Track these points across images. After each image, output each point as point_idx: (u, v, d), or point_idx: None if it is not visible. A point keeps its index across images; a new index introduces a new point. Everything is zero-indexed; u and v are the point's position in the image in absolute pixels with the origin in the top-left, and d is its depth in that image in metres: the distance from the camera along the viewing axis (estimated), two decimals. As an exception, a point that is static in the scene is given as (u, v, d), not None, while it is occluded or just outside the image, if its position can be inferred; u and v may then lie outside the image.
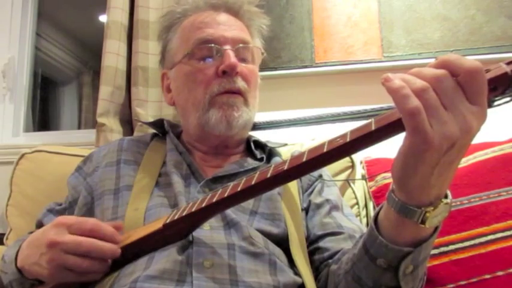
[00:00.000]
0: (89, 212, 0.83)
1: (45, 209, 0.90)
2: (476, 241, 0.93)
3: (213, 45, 0.84)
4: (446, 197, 0.50)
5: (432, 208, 0.49)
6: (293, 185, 0.85)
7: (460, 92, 0.43)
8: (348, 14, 1.37)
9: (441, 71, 0.43)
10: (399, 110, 0.44)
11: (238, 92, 0.83)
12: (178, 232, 0.65)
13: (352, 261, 0.62)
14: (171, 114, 1.27)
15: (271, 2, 1.39)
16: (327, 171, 0.95)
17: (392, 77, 0.44)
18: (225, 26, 0.87)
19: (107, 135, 1.26)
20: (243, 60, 0.86)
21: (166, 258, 0.64)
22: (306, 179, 0.89)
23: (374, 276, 0.58)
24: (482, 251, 0.92)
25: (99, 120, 1.27)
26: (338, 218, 0.82)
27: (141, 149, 0.89)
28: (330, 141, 0.52)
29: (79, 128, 2.73)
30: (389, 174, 1.01)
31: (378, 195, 1.09)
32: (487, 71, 0.44)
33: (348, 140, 0.49)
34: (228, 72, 0.82)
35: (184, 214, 0.63)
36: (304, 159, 0.53)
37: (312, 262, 0.77)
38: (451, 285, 0.91)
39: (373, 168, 1.14)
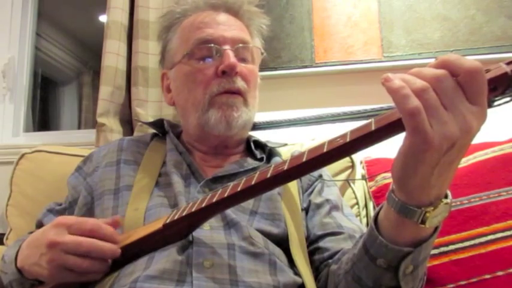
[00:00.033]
0: (89, 212, 0.83)
1: (45, 209, 0.90)
2: (476, 241, 0.93)
3: (212, 45, 0.84)
4: (446, 197, 0.50)
5: (432, 208, 0.49)
6: (293, 185, 0.85)
7: (460, 92, 0.43)
8: (348, 14, 1.37)
9: (441, 71, 0.43)
10: (399, 110, 0.44)
11: (237, 92, 0.83)
12: (178, 232, 0.65)
13: (352, 261, 0.62)
14: (171, 114, 1.27)
15: (271, 2, 1.39)
16: (327, 171, 0.95)
17: (392, 77, 0.44)
18: (225, 26, 0.87)
19: (107, 135, 1.26)
20: (242, 60, 0.86)
21: (166, 258, 0.64)
22: (306, 179, 0.89)
23: (374, 276, 0.58)
24: (482, 251, 0.92)
25: (99, 120, 1.27)
26: (338, 218, 0.82)
27: (141, 149, 0.89)
28: (330, 141, 0.52)
29: (79, 128, 2.73)
30: (389, 174, 1.01)
31: (378, 195, 1.09)
32: (487, 71, 0.44)
33: (348, 140, 0.49)
34: (228, 72, 0.82)
35: (184, 214, 0.63)
36: (304, 159, 0.53)
37: (312, 262, 0.77)
38: (451, 285, 0.91)
39: (373, 168, 1.14)
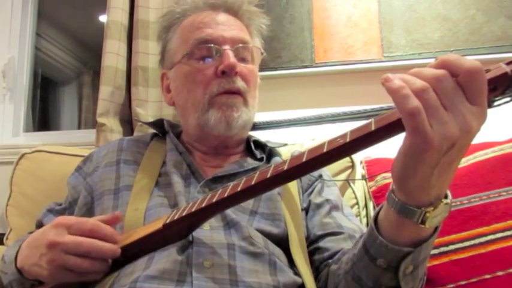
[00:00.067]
0: (89, 212, 0.83)
1: (45, 209, 0.90)
2: (476, 241, 0.93)
3: (212, 45, 0.84)
4: (446, 197, 0.50)
5: (432, 208, 0.49)
6: (293, 185, 0.85)
7: (460, 92, 0.43)
8: (348, 14, 1.37)
9: (441, 71, 0.43)
10: (399, 110, 0.44)
11: (237, 92, 0.83)
12: (178, 232, 0.65)
13: (352, 261, 0.62)
14: (171, 114, 1.27)
15: (271, 2, 1.39)
16: (326, 171, 0.95)
17: (392, 77, 0.44)
18: (224, 26, 0.87)
19: (107, 135, 1.26)
20: (242, 60, 0.86)
21: (166, 258, 0.64)
22: (306, 179, 0.89)
23: (374, 276, 0.58)
24: (482, 251, 0.92)
25: (99, 120, 1.27)
26: (338, 218, 0.82)
27: (141, 149, 0.89)
28: (330, 141, 0.52)
29: (79, 128, 2.73)
30: (389, 174, 1.01)
31: (378, 195, 1.09)
32: (487, 71, 0.44)
33: (348, 140, 0.49)
34: (227, 72, 0.82)
35: (184, 214, 0.63)
36: (304, 159, 0.53)
37: (312, 262, 0.77)
38: (451, 285, 0.91)
39: (373, 168, 1.14)
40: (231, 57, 0.82)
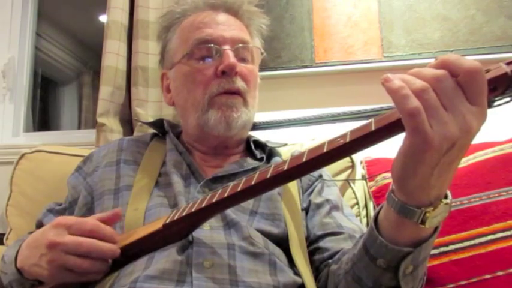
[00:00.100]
0: (89, 212, 0.83)
1: (45, 209, 0.90)
2: (476, 241, 0.93)
3: (212, 45, 0.84)
4: (446, 197, 0.50)
5: (432, 208, 0.49)
6: (293, 185, 0.85)
7: (460, 92, 0.43)
8: (348, 14, 1.37)
9: (441, 71, 0.43)
10: (399, 111, 0.44)
11: (237, 92, 0.83)
12: (178, 232, 0.65)
13: (352, 261, 0.62)
14: (171, 114, 1.27)
15: (271, 2, 1.39)
16: (326, 171, 0.95)
17: (392, 77, 0.44)
18: (224, 26, 0.87)
19: (107, 135, 1.26)
20: (242, 60, 0.86)
21: (166, 258, 0.64)
22: (306, 179, 0.89)
23: (374, 276, 0.58)
24: (482, 251, 0.92)
25: (99, 120, 1.27)
26: (338, 218, 0.82)
27: (141, 149, 0.89)
28: (330, 141, 0.52)
29: (79, 128, 2.73)
30: (389, 174, 1.01)
31: (378, 195, 1.09)
32: (487, 71, 0.44)
33: (348, 140, 0.49)
34: (227, 73, 0.82)
35: (184, 214, 0.63)
36: (304, 160, 0.53)
37: (312, 262, 0.77)
38: (451, 285, 0.91)
39: (373, 168, 1.14)
40: (231, 57, 0.82)
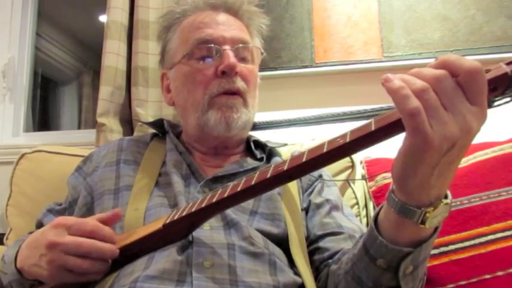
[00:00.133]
0: (89, 212, 0.83)
1: (45, 209, 0.90)
2: (476, 241, 0.93)
3: (212, 45, 0.84)
4: (446, 197, 0.50)
5: (432, 208, 0.49)
6: (293, 185, 0.85)
7: (460, 92, 0.43)
8: (348, 14, 1.37)
9: (441, 71, 0.43)
10: (399, 111, 0.44)
11: (237, 93, 0.83)
12: (178, 232, 0.65)
13: (352, 261, 0.62)
14: (171, 114, 1.27)
15: (271, 2, 1.39)
16: (326, 171, 0.95)
17: (392, 78, 0.44)
18: (225, 26, 0.87)
19: (107, 135, 1.26)
20: (242, 60, 0.86)
21: (166, 258, 0.64)
22: (306, 179, 0.89)
23: (374, 276, 0.58)
24: (482, 251, 0.92)
25: (99, 120, 1.27)
26: (338, 218, 0.82)
27: (140, 149, 0.89)
28: (330, 141, 0.52)
29: (79, 128, 2.74)
30: (389, 174, 1.01)
31: (378, 195, 1.09)
32: (487, 71, 0.44)
33: (348, 140, 0.49)
34: (227, 73, 0.82)
35: (184, 214, 0.63)
36: (304, 159, 0.53)
37: (312, 262, 0.77)
38: (451, 285, 0.91)
39: (373, 168, 1.14)
40: (231, 57, 0.82)
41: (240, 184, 0.59)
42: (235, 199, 0.60)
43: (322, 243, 0.78)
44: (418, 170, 0.45)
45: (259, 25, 0.95)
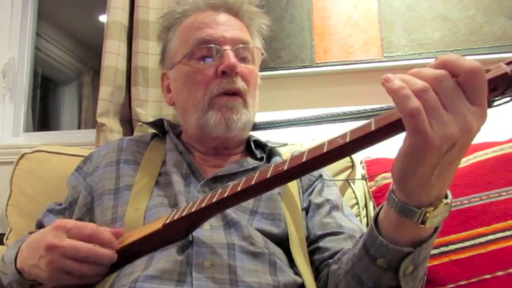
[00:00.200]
0: (89, 212, 0.83)
1: (45, 209, 0.90)
2: (476, 241, 0.93)
3: (212, 45, 0.84)
4: (446, 197, 0.50)
5: (432, 208, 0.49)
6: (293, 185, 0.85)
7: (460, 92, 0.43)
8: (348, 14, 1.37)
9: (441, 71, 0.43)
10: (399, 111, 0.44)
11: (237, 93, 0.83)
12: (178, 232, 0.65)
13: (352, 261, 0.62)
14: (171, 114, 1.27)
15: (271, 2, 1.39)
16: (326, 171, 0.95)
17: (392, 78, 0.44)
18: (225, 26, 0.87)
19: (107, 135, 1.26)
20: (242, 60, 0.86)
21: (166, 258, 0.64)
22: (306, 178, 0.89)
23: (374, 276, 0.58)
24: (482, 251, 0.92)
25: (99, 120, 1.27)
26: (338, 218, 0.82)
27: (141, 148, 0.89)
28: (330, 141, 0.52)
29: (79, 128, 2.74)
30: (389, 174, 1.01)
31: (378, 195, 1.09)
32: (487, 71, 0.44)
33: (348, 140, 0.49)
34: (228, 73, 0.82)
35: (184, 214, 0.63)
36: (304, 159, 0.53)
37: (312, 262, 0.77)
38: (451, 285, 0.91)
39: (373, 168, 1.14)
40: (231, 57, 0.82)
41: (240, 184, 0.59)
42: (235, 199, 0.60)
43: (322, 243, 0.78)
44: (418, 170, 0.45)
45: (260, 25, 0.95)
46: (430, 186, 0.47)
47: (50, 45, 2.45)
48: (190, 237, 0.66)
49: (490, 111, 0.44)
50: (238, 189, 0.58)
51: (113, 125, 1.28)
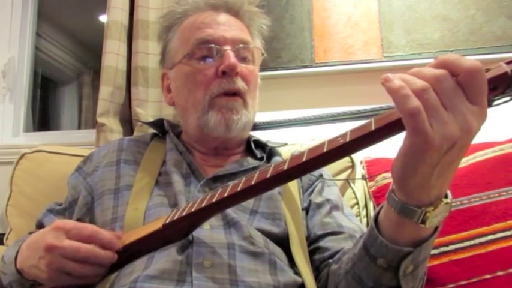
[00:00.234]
0: (89, 212, 0.83)
1: (45, 209, 0.90)
2: (476, 241, 0.93)
3: (213, 45, 0.84)
4: (446, 197, 0.50)
5: (432, 208, 0.49)
6: (293, 185, 0.85)
7: (460, 92, 0.43)
8: (348, 14, 1.37)
9: (441, 71, 0.43)
10: (399, 110, 0.44)
11: (237, 93, 0.83)
12: (178, 232, 0.65)
13: (352, 261, 0.62)
14: (171, 114, 1.27)
15: (271, 2, 1.39)
16: (327, 170, 0.95)
17: (392, 77, 0.44)
18: (225, 26, 0.87)
19: (107, 135, 1.26)
20: (243, 60, 0.86)
21: (166, 258, 0.64)
22: (306, 178, 0.89)
23: (374, 276, 0.58)
24: (482, 251, 0.92)
25: (99, 120, 1.27)
26: (338, 217, 0.82)
27: (141, 148, 0.89)
28: (330, 141, 0.52)
29: (79, 128, 2.73)
30: (389, 174, 1.01)
31: (378, 195, 1.09)
32: (487, 70, 0.44)
33: (348, 139, 0.49)
34: (228, 73, 0.82)
35: (184, 214, 0.63)
36: (304, 159, 0.53)
37: (312, 262, 0.77)
38: (451, 285, 0.91)
39: (373, 168, 1.14)
40: (231, 57, 0.82)
41: (240, 184, 0.59)
42: (235, 199, 0.60)
43: (322, 243, 0.78)
44: (418, 170, 0.45)
45: (260, 25, 0.95)
46: (430, 186, 0.47)
47: (50, 45, 2.45)
48: (190, 237, 0.66)
49: (490, 111, 0.44)
50: (239, 189, 0.58)
51: (113, 125, 1.28)
